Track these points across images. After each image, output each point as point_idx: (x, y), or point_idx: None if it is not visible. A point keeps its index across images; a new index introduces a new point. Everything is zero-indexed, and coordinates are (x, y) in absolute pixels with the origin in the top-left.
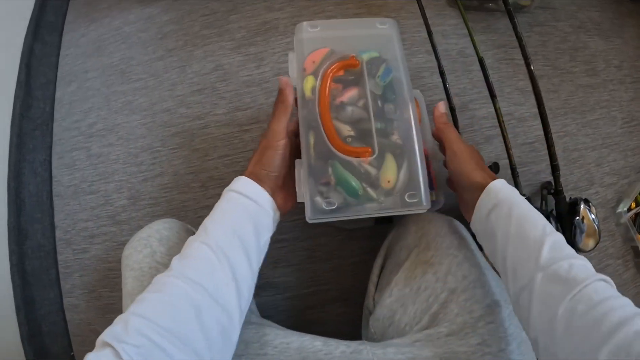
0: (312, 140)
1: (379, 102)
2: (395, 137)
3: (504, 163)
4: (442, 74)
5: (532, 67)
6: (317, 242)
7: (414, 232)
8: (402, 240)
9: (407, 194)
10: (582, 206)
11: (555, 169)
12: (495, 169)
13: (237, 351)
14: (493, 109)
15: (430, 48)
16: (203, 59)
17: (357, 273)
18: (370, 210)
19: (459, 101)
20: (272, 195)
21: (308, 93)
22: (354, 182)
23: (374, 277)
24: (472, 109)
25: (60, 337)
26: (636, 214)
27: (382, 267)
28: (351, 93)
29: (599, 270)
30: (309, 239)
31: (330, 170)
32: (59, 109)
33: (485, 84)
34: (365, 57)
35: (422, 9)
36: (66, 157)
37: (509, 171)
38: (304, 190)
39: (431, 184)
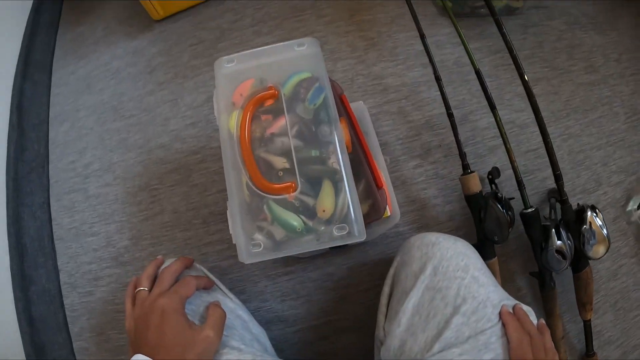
0: (244, 180)
1: (312, 127)
2: (332, 161)
3: (509, 173)
4: (437, 79)
5: (526, 78)
6: (325, 272)
7: (419, 258)
8: (407, 267)
9: (335, 226)
10: (589, 213)
11: (558, 178)
12: (496, 173)
13: None
14: (494, 119)
15: (426, 61)
16: (194, 91)
17: (368, 300)
18: (306, 245)
19: (459, 113)
20: None
21: (233, 130)
22: (290, 219)
23: (382, 307)
24: (473, 120)
25: None
26: None
27: (390, 296)
28: (281, 123)
29: (613, 271)
30: (316, 269)
31: (265, 207)
32: (54, 149)
33: (484, 94)
34: (296, 79)
35: (412, 10)
36: (64, 200)
37: (516, 184)
38: (233, 233)
39: (385, 200)
